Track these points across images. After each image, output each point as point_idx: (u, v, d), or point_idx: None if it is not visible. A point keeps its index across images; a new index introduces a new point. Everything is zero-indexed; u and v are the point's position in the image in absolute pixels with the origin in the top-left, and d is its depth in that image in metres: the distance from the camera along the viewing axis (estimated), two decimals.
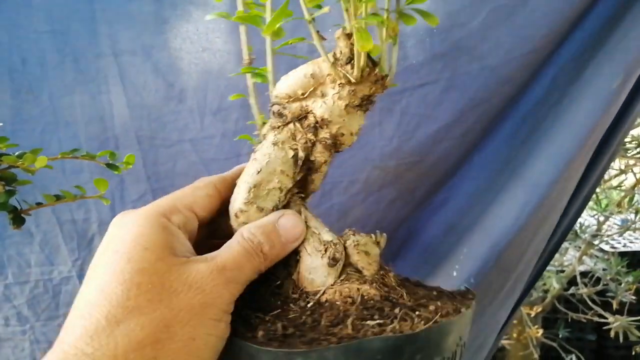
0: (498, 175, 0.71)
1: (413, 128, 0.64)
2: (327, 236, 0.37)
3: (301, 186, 0.39)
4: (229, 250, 0.34)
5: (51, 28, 0.62)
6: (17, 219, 0.44)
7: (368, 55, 0.34)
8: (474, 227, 0.72)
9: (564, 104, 0.68)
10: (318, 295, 0.34)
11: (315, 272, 0.36)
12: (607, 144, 0.77)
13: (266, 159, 0.36)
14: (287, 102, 0.37)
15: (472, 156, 0.71)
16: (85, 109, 0.63)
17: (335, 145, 0.37)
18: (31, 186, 0.48)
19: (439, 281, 0.71)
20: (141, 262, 0.31)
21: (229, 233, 0.40)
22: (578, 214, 0.92)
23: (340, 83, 0.35)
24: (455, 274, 0.70)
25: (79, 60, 0.63)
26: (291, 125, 0.37)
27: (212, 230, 0.41)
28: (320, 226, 0.37)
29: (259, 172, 0.36)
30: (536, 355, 1.98)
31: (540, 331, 1.88)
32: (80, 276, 0.65)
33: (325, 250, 0.36)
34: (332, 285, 0.35)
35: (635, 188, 1.40)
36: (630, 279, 1.85)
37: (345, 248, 0.36)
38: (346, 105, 0.35)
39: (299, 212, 0.38)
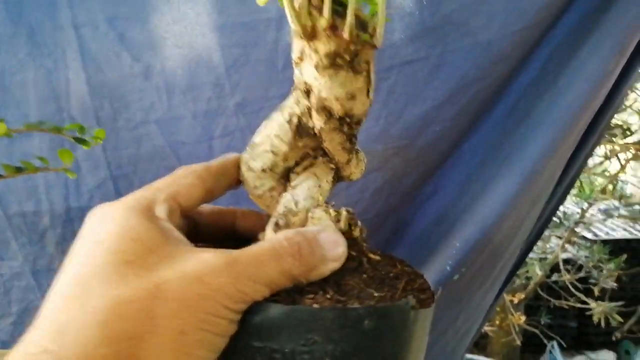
0: (490, 161, 0.67)
1: (401, 108, 0.59)
2: (291, 203, 0.34)
3: (325, 153, 0.36)
4: (251, 247, 0.29)
5: None
6: None
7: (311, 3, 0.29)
8: (465, 217, 0.68)
9: (558, 85, 0.64)
10: None
11: (264, 235, 0.35)
12: (594, 127, 0.74)
13: (268, 122, 0.35)
14: (295, 66, 0.34)
15: (463, 142, 0.67)
16: (39, 87, 0.57)
17: (328, 111, 0.32)
18: None
19: (432, 275, 0.68)
20: (129, 254, 0.27)
21: (211, 230, 0.38)
22: (562, 199, 0.92)
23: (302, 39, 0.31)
24: (449, 268, 0.67)
25: (34, 32, 0.57)
26: (296, 91, 0.34)
27: (192, 226, 0.37)
28: (303, 193, 0.34)
29: (259, 133, 0.35)
30: (518, 342, 1.99)
31: (523, 318, 1.89)
32: (34, 272, 0.59)
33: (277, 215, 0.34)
34: None
35: (620, 174, 1.39)
36: (611, 266, 1.86)
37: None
38: (316, 66, 0.30)
39: (312, 175, 0.35)
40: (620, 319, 1.55)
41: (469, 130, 0.66)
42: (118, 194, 0.58)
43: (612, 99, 0.70)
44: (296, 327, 0.27)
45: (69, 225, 0.59)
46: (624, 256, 1.91)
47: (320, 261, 0.29)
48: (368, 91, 0.32)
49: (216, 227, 0.38)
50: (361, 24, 0.30)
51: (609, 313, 1.51)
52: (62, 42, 0.57)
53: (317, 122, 0.33)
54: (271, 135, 0.34)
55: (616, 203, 1.80)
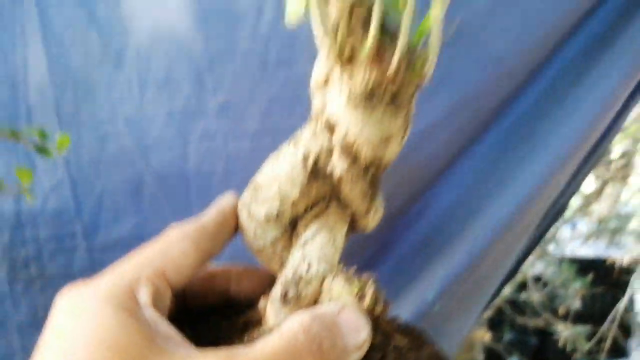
0: (482, 185, 0.64)
1: None
2: (302, 268, 0.27)
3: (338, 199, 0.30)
4: (259, 345, 0.23)
5: None
6: None
7: (351, 20, 0.24)
8: (452, 242, 0.65)
9: (564, 109, 0.61)
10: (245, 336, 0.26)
11: (271, 305, 0.28)
12: (594, 152, 0.72)
13: (276, 158, 0.29)
14: (315, 90, 0.28)
15: (456, 163, 0.63)
16: None
17: (354, 155, 0.26)
18: None
19: (412, 304, 0.63)
20: None
21: (200, 295, 0.32)
22: (551, 224, 0.89)
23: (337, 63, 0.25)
24: (430, 298, 0.62)
25: None
26: (316, 122, 0.28)
27: (180, 295, 0.31)
28: (316, 252, 0.27)
29: (263, 172, 0.30)
30: (481, 357, 1.98)
31: (487, 335, 1.88)
32: None
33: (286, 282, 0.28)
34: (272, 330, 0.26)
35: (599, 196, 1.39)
36: (577, 285, 1.88)
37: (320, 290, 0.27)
38: (347, 98, 0.24)
39: (324, 228, 0.28)
40: (586, 344, 1.56)
41: (464, 151, 0.62)
42: (76, 199, 0.51)
43: (615, 125, 0.68)
44: None
45: (19, 230, 0.52)
46: (590, 276, 1.93)
47: (341, 354, 0.23)
48: (404, 135, 0.27)
49: (206, 292, 0.32)
50: (409, 54, 0.24)
51: (576, 338, 1.51)
52: (21, 18, 0.49)
53: (338, 165, 0.27)
54: (280, 177, 0.28)
55: (583, 223, 1.82)
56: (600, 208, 1.67)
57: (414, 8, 0.23)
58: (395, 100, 0.25)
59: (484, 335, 1.88)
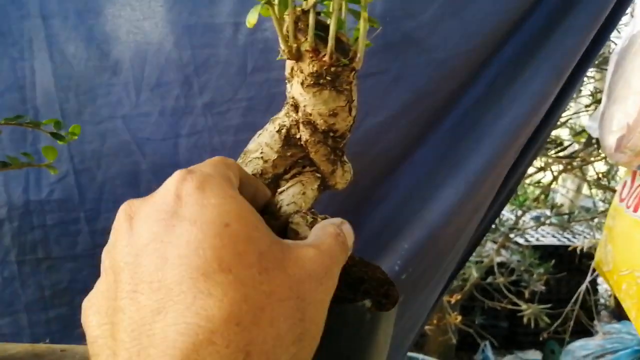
0: (437, 169, 0.72)
1: (361, 117, 0.63)
2: (274, 208, 0.37)
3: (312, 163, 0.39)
4: (324, 239, 0.31)
5: None
6: None
7: (298, 28, 0.33)
8: (413, 219, 0.73)
9: (502, 102, 0.70)
10: None
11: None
12: (533, 142, 0.81)
13: (261, 132, 0.38)
14: (287, 82, 0.37)
15: (414, 150, 0.72)
16: (3, 75, 0.56)
17: (313, 125, 0.35)
18: None
19: None
20: (260, 244, 0.27)
21: None
22: (501, 207, 0.98)
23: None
24: (397, 268, 0.71)
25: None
26: (287, 104, 0.37)
27: None
28: (287, 199, 0.36)
29: (252, 142, 0.38)
30: (454, 341, 2.09)
31: (459, 318, 1.98)
32: None
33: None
34: None
35: (552, 185, 1.50)
36: (541, 270, 2.00)
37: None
38: (301, 84, 0.33)
39: (298, 182, 0.38)
40: (548, 320, 1.67)
41: (420, 140, 0.71)
42: (79, 188, 0.59)
43: (550, 118, 0.77)
44: None
45: (27, 217, 0.59)
46: (552, 261, 2.05)
47: (347, 251, 0.32)
48: (350, 109, 0.35)
49: None
50: (342, 48, 0.33)
51: (538, 315, 1.63)
52: (29, 32, 0.56)
53: (303, 134, 0.36)
54: (262, 143, 0.37)
55: (547, 212, 1.94)
56: (558, 198, 1.79)
57: (339, 19, 0.32)
58: (335, 84, 0.33)
59: (457, 319, 1.98)
